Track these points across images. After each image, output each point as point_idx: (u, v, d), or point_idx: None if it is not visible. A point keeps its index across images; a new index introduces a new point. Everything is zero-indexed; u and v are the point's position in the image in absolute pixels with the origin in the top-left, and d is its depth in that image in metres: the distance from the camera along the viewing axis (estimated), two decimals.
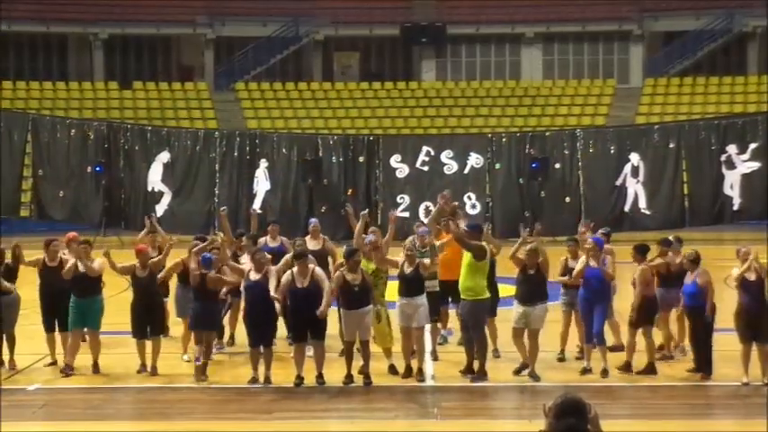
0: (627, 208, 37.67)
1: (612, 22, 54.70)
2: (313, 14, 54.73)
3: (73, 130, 39.28)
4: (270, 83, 54.11)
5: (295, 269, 16.50)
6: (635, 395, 16.05)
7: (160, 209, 38.08)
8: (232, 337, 19.34)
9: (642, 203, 37.77)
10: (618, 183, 37.81)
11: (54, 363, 17.67)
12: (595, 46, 55.64)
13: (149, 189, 38.44)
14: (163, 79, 54.43)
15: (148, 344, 17.20)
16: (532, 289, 16.68)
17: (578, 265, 17.30)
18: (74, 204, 38.85)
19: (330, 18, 54.87)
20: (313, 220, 20.68)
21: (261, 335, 16.43)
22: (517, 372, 16.64)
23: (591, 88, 53.73)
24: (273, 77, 55.00)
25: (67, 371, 17.05)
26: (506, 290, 18.82)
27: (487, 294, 16.63)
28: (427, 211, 37.45)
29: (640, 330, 16.95)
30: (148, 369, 17.09)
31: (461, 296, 16.66)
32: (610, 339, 17.53)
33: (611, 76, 54.87)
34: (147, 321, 17.20)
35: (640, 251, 17.33)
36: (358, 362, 16.53)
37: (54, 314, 17.59)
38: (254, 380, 16.33)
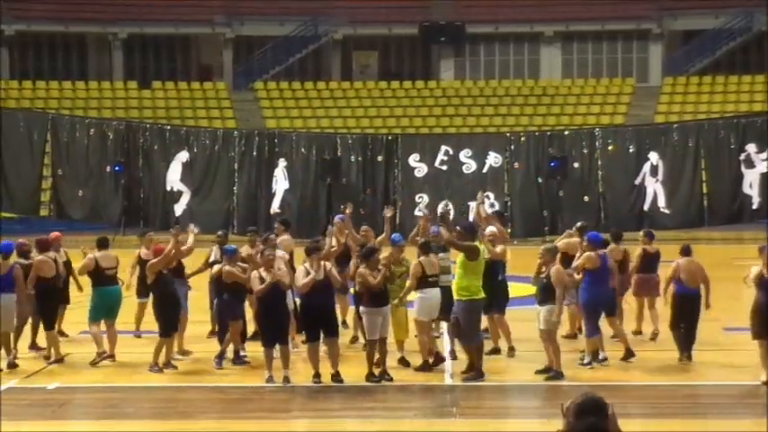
0: (646, 207, 37.55)
1: (632, 21, 54.58)
2: (332, 14, 54.76)
3: (92, 130, 39.37)
4: (288, 82, 54.16)
5: (307, 264, 16.58)
6: (653, 394, 16.02)
7: (179, 208, 38.16)
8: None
9: (661, 202, 37.66)
10: (637, 182, 37.70)
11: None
12: (614, 45, 55.53)
13: (168, 188, 38.50)
14: (182, 79, 54.53)
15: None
16: (540, 290, 16.77)
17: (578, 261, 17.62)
18: (93, 204, 38.95)
19: (349, 17, 54.88)
20: (341, 217, 20.61)
21: (276, 334, 16.43)
22: (539, 372, 16.62)
23: (610, 87, 53.62)
24: (292, 77, 55.05)
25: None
26: (524, 289, 18.87)
27: (482, 294, 16.45)
28: (446, 211, 37.50)
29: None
30: (162, 367, 17.17)
31: (455, 296, 16.54)
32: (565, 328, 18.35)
33: (630, 75, 54.75)
34: (168, 318, 17.34)
35: (617, 237, 18.44)
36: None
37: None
38: (271, 379, 16.32)
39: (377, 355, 16.61)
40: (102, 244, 18.61)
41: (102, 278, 18.11)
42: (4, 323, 17.53)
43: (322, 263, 16.66)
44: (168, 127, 41.37)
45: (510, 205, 37.81)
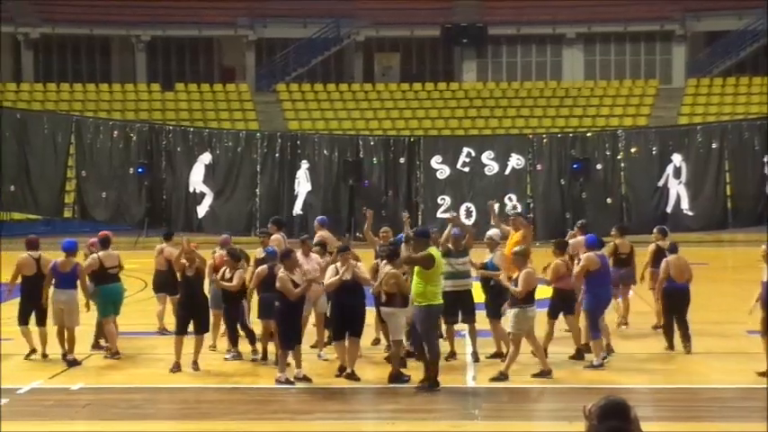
0: (669, 209, 37.49)
1: (654, 22, 54.46)
2: (354, 16, 54.81)
3: (116, 132, 39.55)
4: (311, 84, 54.23)
5: (338, 263, 16.76)
6: (673, 397, 16.00)
7: (202, 210, 38.31)
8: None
9: (685, 204, 37.58)
10: (660, 184, 37.64)
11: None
12: (637, 46, 55.41)
13: (191, 190, 38.64)
14: (204, 81, 54.68)
15: (188, 342, 17.38)
16: (511, 293, 16.81)
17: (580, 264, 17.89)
18: (116, 205, 39.12)
19: (371, 19, 54.93)
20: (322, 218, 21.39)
21: (295, 335, 16.49)
22: (535, 375, 16.68)
23: (633, 89, 53.51)
24: (314, 78, 55.12)
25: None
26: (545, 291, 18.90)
27: (439, 300, 16.21)
28: (468, 213, 37.51)
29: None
30: (190, 367, 17.25)
31: (414, 302, 16.27)
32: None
33: (653, 77, 54.62)
34: (192, 318, 17.39)
35: (559, 246, 18.33)
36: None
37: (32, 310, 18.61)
38: (289, 381, 16.36)
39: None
40: (105, 243, 19.03)
41: (106, 277, 18.65)
42: (68, 319, 18.11)
43: (351, 263, 16.75)
44: (191, 129, 41.54)
45: (532, 207, 37.80)
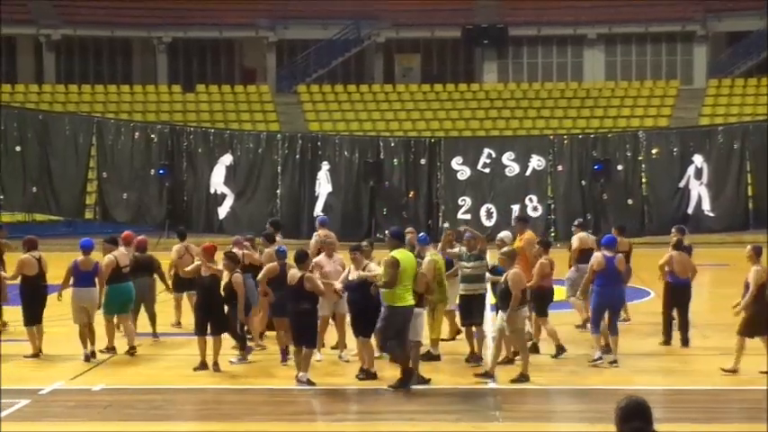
0: (690, 210, 37.39)
1: (676, 23, 54.32)
2: (374, 17, 54.83)
3: (137, 133, 39.66)
4: (331, 85, 54.28)
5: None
6: (695, 398, 15.94)
7: (222, 211, 38.39)
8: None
9: (706, 205, 37.48)
10: (681, 185, 37.54)
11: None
12: (658, 47, 55.27)
13: (212, 191, 38.72)
14: (225, 82, 54.79)
15: (209, 343, 17.44)
16: (500, 295, 16.81)
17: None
18: (137, 206, 39.23)
19: (391, 20, 54.94)
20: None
21: (311, 336, 16.60)
22: (513, 380, 16.58)
23: (654, 89, 53.37)
24: (335, 80, 55.17)
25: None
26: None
27: (409, 302, 16.16)
28: (489, 214, 37.50)
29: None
30: (210, 367, 17.29)
31: (383, 302, 16.27)
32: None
33: (674, 77, 54.49)
34: (209, 319, 17.42)
35: (543, 246, 18.74)
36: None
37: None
38: (310, 381, 16.43)
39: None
40: (114, 242, 19.44)
41: (119, 276, 18.92)
42: (89, 315, 18.48)
43: (364, 263, 16.91)
44: (212, 130, 41.62)
45: (553, 208, 37.75)
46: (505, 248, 17.15)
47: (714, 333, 19.95)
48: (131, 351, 18.71)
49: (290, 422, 14.67)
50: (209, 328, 17.47)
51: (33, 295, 18.67)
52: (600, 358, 17.63)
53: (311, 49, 55.26)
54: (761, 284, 16.76)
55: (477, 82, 55.27)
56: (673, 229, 21.39)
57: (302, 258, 16.64)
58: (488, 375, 16.60)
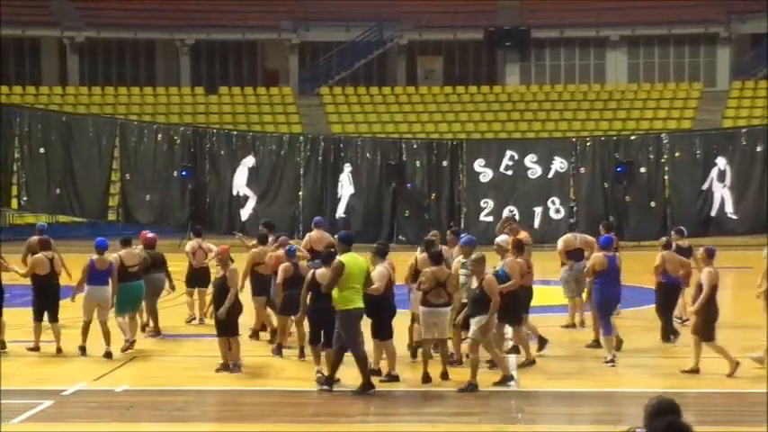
0: (713, 212, 37.28)
1: (699, 25, 54.16)
2: (397, 19, 54.86)
3: (160, 135, 39.77)
4: (354, 87, 54.33)
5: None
6: (721, 401, 15.91)
7: (245, 213, 38.46)
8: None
9: (729, 208, 37.35)
10: (704, 187, 37.42)
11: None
12: (681, 49, 55.13)
13: (234, 193, 38.80)
14: (248, 84, 54.89)
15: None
16: (472, 301, 16.52)
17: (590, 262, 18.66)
18: (160, 208, 39.34)
19: (414, 22, 54.96)
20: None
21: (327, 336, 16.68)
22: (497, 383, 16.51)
23: (677, 91, 53.24)
24: (357, 82, 55.21)
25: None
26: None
27: (358, 305, 16.11)
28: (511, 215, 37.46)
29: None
30: (231, 368, 17.36)
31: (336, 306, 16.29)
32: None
33: (697, 80, 54.33)
34: (227, 320, 17.47)
35: (517, 247, 18.58)
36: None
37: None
38: (323, 377, 16.51)
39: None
40: (125, 242, 20.02)
41: (126, 275, 19.44)
42: (102, 313, 19.03)
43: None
44: (234, 132, 41.71)
45: (576, 210, 37.69)
46: (474, 255, 17.02)
47: (736, 334, 19.86)
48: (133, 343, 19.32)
49: (311, 423, 14.70)
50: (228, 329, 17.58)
51: (44, 293, 19.23)
52: (613, 359, 17.68)
53: (334, 51, 55.34)
54: (713, 286, 17.07)
55: (499, 84, 55.23)
56: (672, 231, 22.27)
57: (328, 259, 16.69)
58: (508, 379, 16.54)
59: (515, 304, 17.69)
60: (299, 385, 16.70)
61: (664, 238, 21.10)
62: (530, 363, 17.73)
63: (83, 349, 18.87)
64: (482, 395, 16.01)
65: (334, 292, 16.01)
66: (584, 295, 19.95)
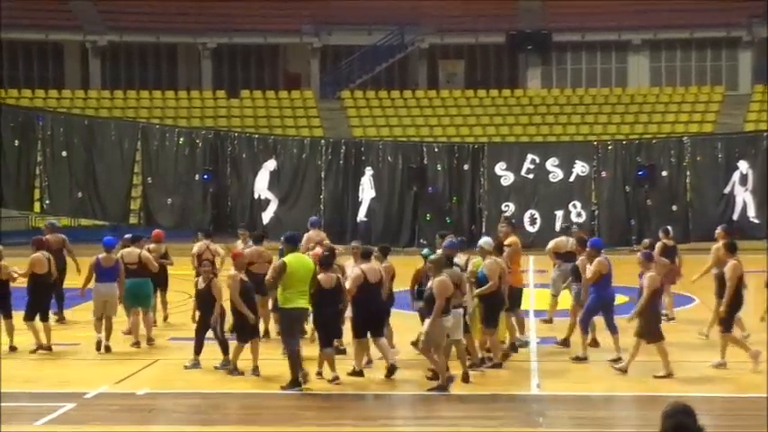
0: (735, 216, 37.09)
1: (721, 29, 54.01)
2: (418, 23, 54.88)
3: (181, 139, 39.82)
4: (375, 91, 54.37)
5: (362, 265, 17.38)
6: (746, 406, 15.86)
7: (266, 216, 38.48)
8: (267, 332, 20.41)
9: (751, 212, 37.19)
10: (726, 191, 37.28)
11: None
12: (703, 52, 54.98)
13: (256, 197, 38.83)
14: (269, 88, 55.00)
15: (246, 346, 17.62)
16: (426, 302, 16.57)
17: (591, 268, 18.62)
18: (181, 211, 39.38)
19: (435, 26, 54.97)
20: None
21: (331, 336, 16.96)
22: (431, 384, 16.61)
23: (698, 95, 53.09)
24: (379, 85, 55.25)
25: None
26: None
27: (299, 305, 16.39)
28: (532, 220, 37.40)
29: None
30: (250, 372, 17.47)
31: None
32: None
33: (719, 83, 54.17)
34: (242, 325, 17.57)
35: (497, 249, 18.70)
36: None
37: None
38: (336, 378, 16.79)
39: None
40: (135, 242, 20.88)
41: (126, 273, 20.11)
42: (109, 309, 19.72)
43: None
44: (256, 136, 41.75)
45: (597, 214, 37.61)
46: (432, 256, 17.11)
47: (755, 338, 19.77)
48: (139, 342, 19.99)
49: (334, 426, 14.71)
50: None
51: (38, 292, 19.82)
52: (620, 358, 17.85)
53: (355, 54, 55.39)
54: (654, 290, 17.18)
55: (521, 88, 55.21)
56: (660, 231, 22.98)
57: (326, 262, 16.89)
58: (442, 388, 16.30)
59: (493, 308, 17.84)
60: (321, 388, 16.72)
61: (646, 241, 21.58)
62: (496, 365, 17.85)
63: (99, 343, 19.40)
64: (504, 399, 16.00)
65: (278, 291, 16.45)
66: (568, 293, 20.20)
